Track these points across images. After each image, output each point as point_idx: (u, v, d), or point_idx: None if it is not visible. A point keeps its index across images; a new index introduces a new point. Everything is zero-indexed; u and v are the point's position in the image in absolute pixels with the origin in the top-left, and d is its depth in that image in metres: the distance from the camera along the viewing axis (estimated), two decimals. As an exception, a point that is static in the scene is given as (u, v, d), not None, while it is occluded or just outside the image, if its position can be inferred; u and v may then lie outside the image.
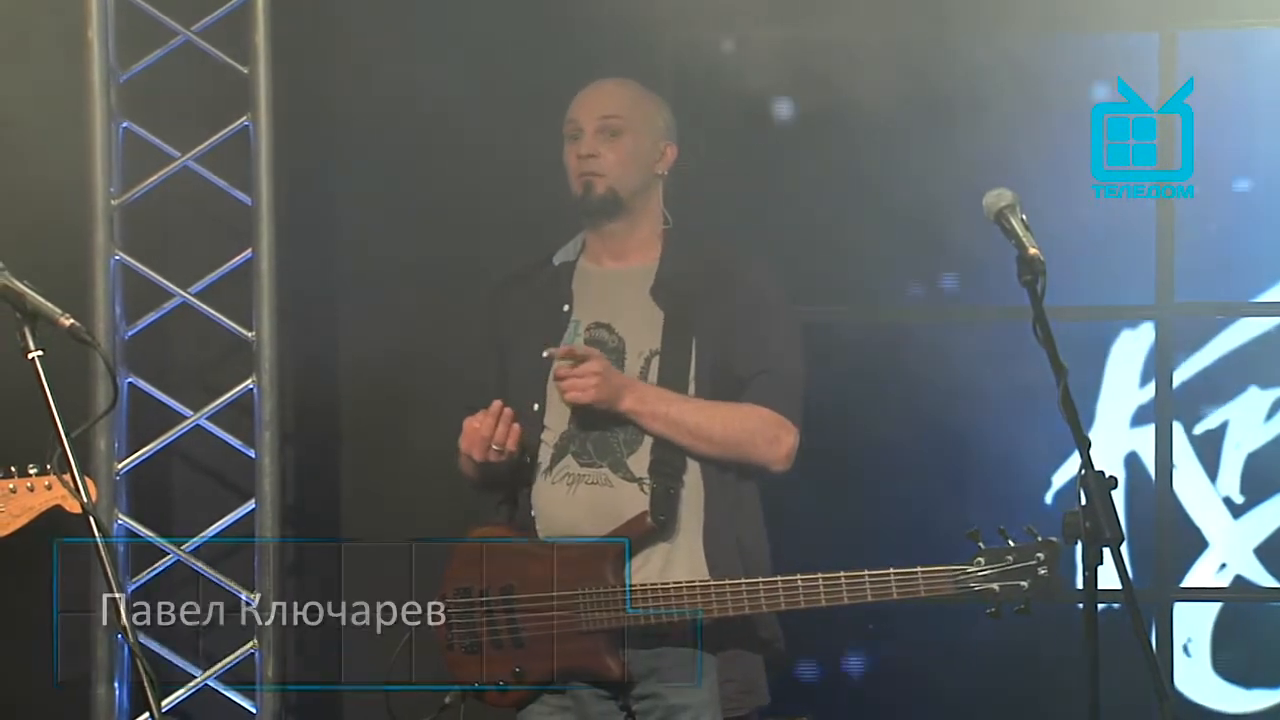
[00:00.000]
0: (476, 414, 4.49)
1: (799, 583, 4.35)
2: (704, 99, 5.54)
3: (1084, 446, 3.76)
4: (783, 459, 4.54)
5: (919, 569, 4.30)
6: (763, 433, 4.51)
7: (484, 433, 4.46)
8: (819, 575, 4.34)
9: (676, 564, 4.49)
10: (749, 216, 5.58)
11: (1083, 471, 3.75)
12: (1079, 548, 3.78)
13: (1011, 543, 4.29)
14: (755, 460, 4.53)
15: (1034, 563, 4.27)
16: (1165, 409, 5.74)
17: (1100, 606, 3.77)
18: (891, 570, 4.30)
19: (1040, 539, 4.28)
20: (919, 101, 5.59)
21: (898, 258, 5.67)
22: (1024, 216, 3.93)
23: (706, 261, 4.62)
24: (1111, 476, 3.76)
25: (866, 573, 4.32)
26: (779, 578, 4.38)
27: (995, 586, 4.28)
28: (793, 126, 5.64)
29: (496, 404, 4.48)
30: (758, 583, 4.39)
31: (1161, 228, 5.70)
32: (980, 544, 4.29)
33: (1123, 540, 3.72)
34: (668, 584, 4.43)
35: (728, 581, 4.41)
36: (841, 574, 4.32)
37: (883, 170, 5.60)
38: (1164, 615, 5.75)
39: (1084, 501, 3.75)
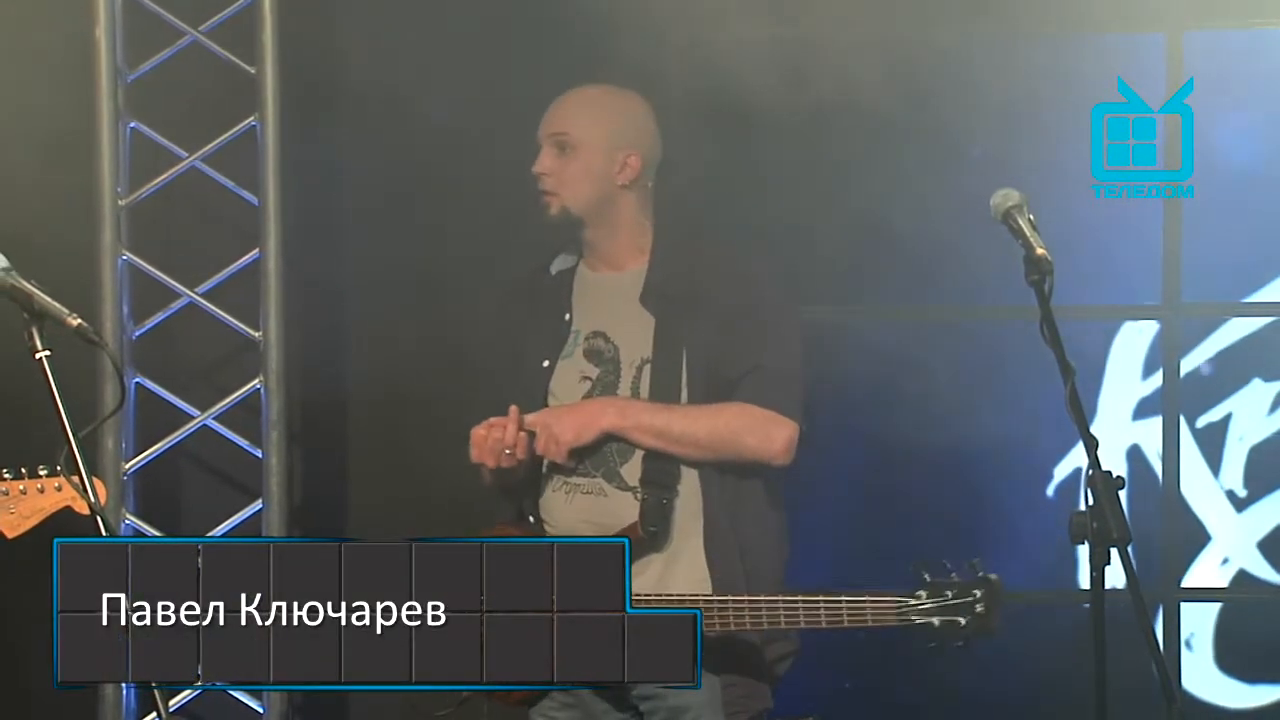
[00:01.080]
0: (483, 424, 4.49)
1: (763, 604, 4.32)
2: (707, 99, 5.54)
3: (1092, 446, 3.76)
4: (780, 453, 4.50)
5: (867, 598, 4.26)
6: (751, 430, 4.48)
7: (495, 435, 4.45)
8: (779, 598, 4.30)
9: (676, 573, 4.48)
10: (749, 216, 5.57)
11: (1090, 471, 3.75)
12: (1086, 548, 3.77)
13: (954, 576, 4.24)
14: (749, 458, 4.50)
15: (971, 599, 4.21)
16: (1172, 410, 5.73)
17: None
18: (844, 597, 4.26)
19: (981, 575, 4.23)
20: (924, 101, 5.58)
21: (901, 257, 5.67)
22: (1031, 216, 3.92)
23: (697, 262, 4.60)
24: (1119, 477, 3.76)
25: (821, 598, 4.27)
26: (745, 597, 4.34)
27: (935, 621, 4.23)
28: (794, 126, 5.63)
29: (514, 410, 4.48)
30: (727, 600, 4.34)
31: (1169, 227, 5.70)
32: (925, 575, 4.25)
33: (1130, 541, 3.72)
34: (653, 595, 4.42)
35: (700, 596, 4.38)
36: (800, 597, 4.29)
37: (889, 170, 5.60)
38: (1170, 614, 5.74)
39: (1091, 501, 3.75)
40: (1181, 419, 5.75)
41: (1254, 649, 5.76)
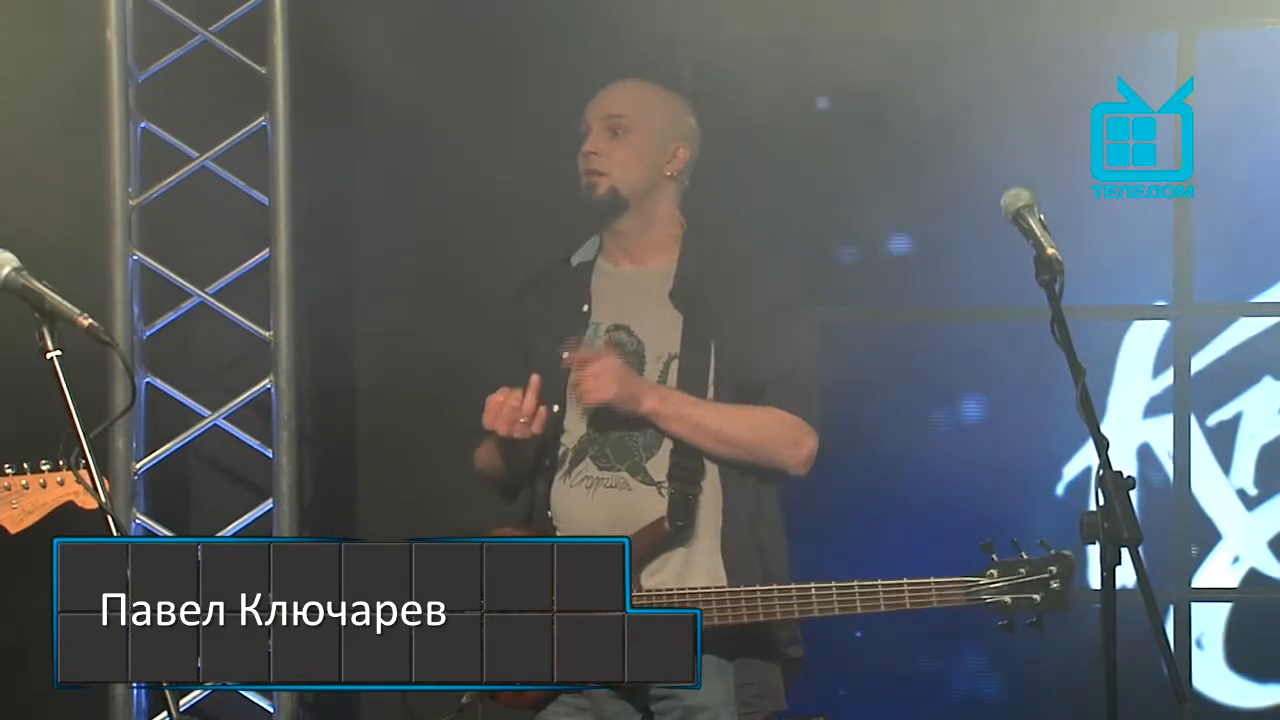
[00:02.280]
0: (500, 390, 4.47)
1: (813, 591, 4.33)
2: (724, 98, 5.54)
3: (1102, 446, 3.75)
4: (803, 463, 4.51)
5: (932, 580, 4.28)
6: (784, 437, 4.50)
7: (512, 403, 4.44)
8: (833, 584, 4.32)
9: (695, 568, 4.48)
10: (759, 217, 5.56)
11: (1101, 471, 3.74)
12: (1096, 548, 3.76)
13: (1024, 554, 4.26)
14: (775, 464, 4.51)
15: (1046, 575, 4.24)
16: (1183, 409, 5.72)
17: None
18: (905, 580, 4.28)
19: (1054, 551, 4.25)
20: (943, 100, 5.58)
21: (918, 257, 5.66)
22: (1042, 216, 3.92)
23: (723, 261, 4.61)
24: (1130, 477, 3.75)
25: (880, 582, 4.29)
26: (793, 585, 4.35)
27: (1007, 599, 4.25)
28: (813, 126, 5.63)
29: (535, 379, 4.45)
30: (772, 590, 4.37)
31: (1179, 226, 5.69)
32: (994, 556, 4.26)
33: (1141, 541, 3.71)
34: (683, 590, 4.42)
35: (742, 589, 4.39)
36: (855, 583, 4.30)
37: (907, 169, 5.60)
38: (1181, 614, 5.73)
39: (1102, 501, 3.74)
40: (1192, 417, 5.74)
41: (1265, 648, 5.75)
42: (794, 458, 4.51)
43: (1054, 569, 4.25)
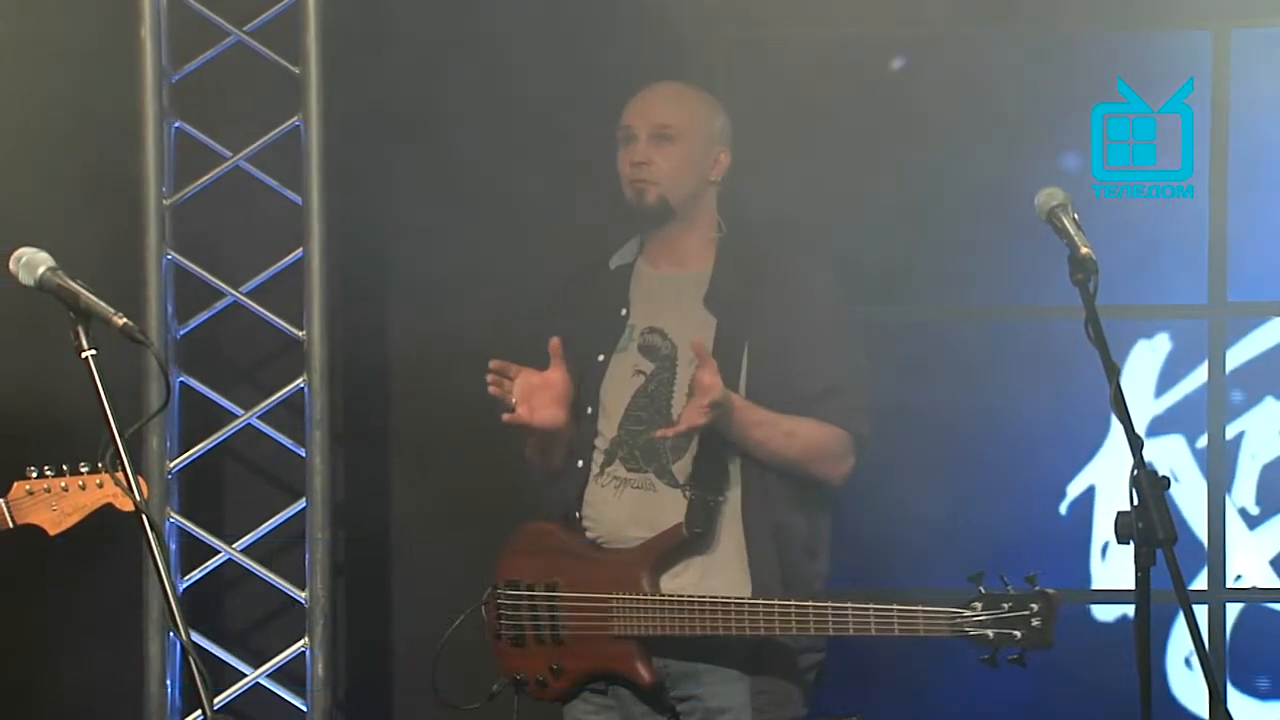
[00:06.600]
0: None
1: (810, 610, 4.33)
2: (755, 99, 5.53)
3: (1137, 446, 3.75)
4: (843, 475, 4.56)
5: (919, 608, 4.27)
6: (832, 453, 4.52)
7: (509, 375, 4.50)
8: (828, 604, 4.32)
9: (717, 575, 4.49)
10: (801, 218, 5.55)
11: (1135, 471, 3.74)
12: (1131, 548, 3.75)
13: (1010, 589, 4.25)
14: (816, 477, 4.54)
15: (1028, 613, 4.22)
16: (1218, 410, 5.68)
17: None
18: (895, 607, 4.28)
19: (1037, 589, 4.23)
20: (971, 100, 5.57)
21: (933, 257, 5.64)
22: (1075, 215, 3.92)
23: (763, 264, 4.60)
24: (1164, 476, 3.74)
25: (871, 606, 4.29)
26: (792, 601, 4.35)
27: (989, 633, 4.23)
28: (842, 127, 5.61)
29: (555, 342, 4.53)
30: (771, 605, 4.35)
31: (1214, 227, 5.66)
32: (981, 588, 4.25)
33: (1176, 540, 3.71)
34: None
35: (746, 600, 4.39)
36: (849, 605, 4.31)
37: (933, 170, 5.58)
38: (1216, 617, 5.70)
39: (1136, 501, 3.74)
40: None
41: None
42: (836, 472, 4.55)
43: (1036, 606, 4.22)
